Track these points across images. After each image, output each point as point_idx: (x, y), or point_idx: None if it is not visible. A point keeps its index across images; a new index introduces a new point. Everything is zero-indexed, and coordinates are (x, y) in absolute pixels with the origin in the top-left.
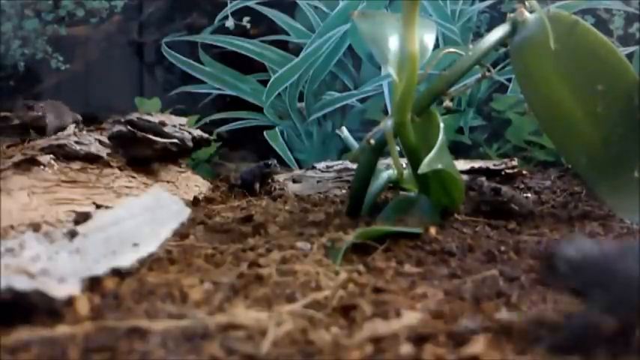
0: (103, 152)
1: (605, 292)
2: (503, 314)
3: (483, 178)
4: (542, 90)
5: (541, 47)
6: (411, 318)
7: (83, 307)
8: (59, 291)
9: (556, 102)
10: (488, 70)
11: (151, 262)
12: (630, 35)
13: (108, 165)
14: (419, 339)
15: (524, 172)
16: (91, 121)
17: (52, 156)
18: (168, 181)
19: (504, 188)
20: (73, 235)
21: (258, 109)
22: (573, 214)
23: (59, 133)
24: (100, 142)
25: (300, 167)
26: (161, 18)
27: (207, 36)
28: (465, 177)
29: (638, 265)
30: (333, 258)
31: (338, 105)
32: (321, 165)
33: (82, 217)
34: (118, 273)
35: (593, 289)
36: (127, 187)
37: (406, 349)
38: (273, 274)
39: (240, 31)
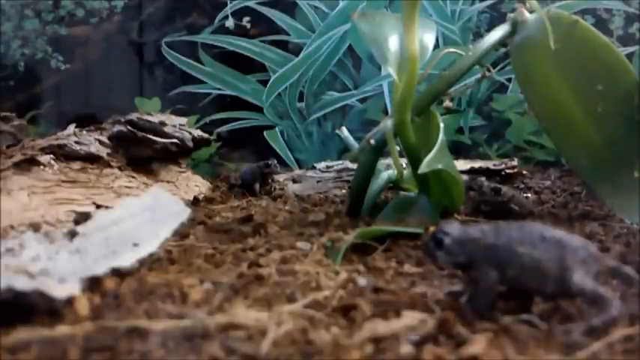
0: (103, 152)
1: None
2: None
3: (483, 178)
4: (542, 90)
5: (541, 47)
6: (411, 318)
7: (83, 307)
8: (59, 291)
9: (556, 102)
10: (489, 70)
11: (151, 262)
12: (630, 35)
13: (108, 165)
14: (419, 339)
15: (524, 172)
16: (90, 121)
17: (52, 156)
18: (168, 181)
19: (504, 188)
20: (73, 235)
21: (258, 109)
22: (573, 214)
23: (59, 133)
24: (100, 142)
25: (300, 167)
26: (161, 18)
27: (207, 36)
28: (465, 177)
29: (507, 241)
30: (333, 258)
31: (338, 105)
32: (321, 165)
33: (82, 217)
34: (118, 273)
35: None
36: (127, 187)
37: (406, 349)
38: (273, 274)
39: (240, 31)
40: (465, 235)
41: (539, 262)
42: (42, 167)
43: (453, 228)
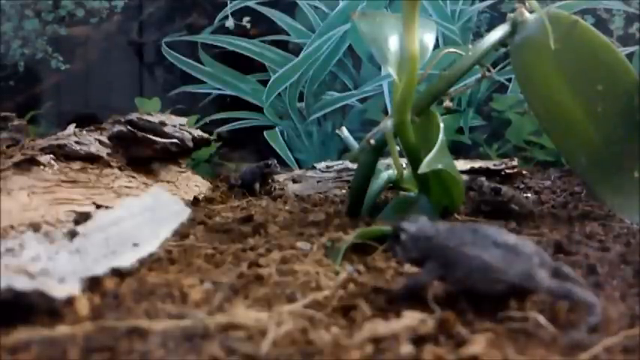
0: (103, 152)
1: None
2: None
3: (483, 178)
4: (542, 90)
5: (541, 47)
6: (411, 318)
7: (83, 307)
8: (59, 291)
9: (556, 102)
10: (488, 70)
11: (151, 262)
12: (630, 35)
13: (108, 165)
14: (419, 339)
15: (524, 172)
16: (90, 121)
17: (52, 156)
18: (168, 181)
19: (504, 188)
20: (73, 235)
21: (258, 109)
22: (573, 214)
23: (59, 133)
24: (100, 142)
25: (300, 167)
26: (161, 18)
27: (207, 36)
28: (465, 177)
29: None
30: (333, 258)
31: (338, 105)
32: (321, 165)
33: (82, 217)
34: (118, 273)
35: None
36: (127, 187)
37: (406, 349)
38: (273, 274)
39: (240, 31)
40: (420, 232)
41: (489, 264)
42: (42, 167)
43: (412, 225)
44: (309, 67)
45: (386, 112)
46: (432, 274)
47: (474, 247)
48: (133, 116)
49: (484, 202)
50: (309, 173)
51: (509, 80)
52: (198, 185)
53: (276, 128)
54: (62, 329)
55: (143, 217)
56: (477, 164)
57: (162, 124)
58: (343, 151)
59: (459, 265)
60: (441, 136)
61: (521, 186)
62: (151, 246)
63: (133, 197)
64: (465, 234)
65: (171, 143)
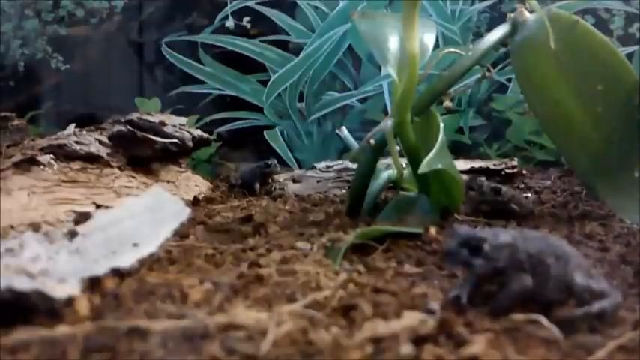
0: (103, 152)
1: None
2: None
3: (483, 178)
4: (542, 90)
5: (541, 47)
6: (411, 318)
7: (83, 307)
8: (59, 291)
9: (556, 102)
10: (489, 70)
11: (151, 262)
12: (630, 35)
13: (108, 165)
14: (419, 339)
15: (524, 172)
16: (90, 121)
17: (52, 156)
18: (168, 181)
19: (504, 188)
20: (73, 235)
21: (258, 109)
22: (573, 214)
23: (59, 133)
24: (100, 142)
25: (300, 167)
26: (161, 18)
27: (207, 36)
28: (465, 177)
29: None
30: (333, 258)
31: (338, 105)
32: (321, 165)
33: (82, 217)
34: (118, 273)
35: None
36: (127, 187)
37: (406, 349)
38: (273, 274)
39: (240, 31)
40: (501, 241)
41: (563, 274)
42: (42, 167)
43: (488, 233)
44: (309, 67)
45: (386, 112)
46: (520, 285)
47: (549, 255)
48: (133, 116)
49: (484, 203)
50: (309, 173)
51: (509, 80)
52: (198, 185)
53: (276, 128)
54: (62, 329)
55: (143, 217)
56: (477, 164)
57: (162, 124)
58: (343, 151)
59: (537, 274)
60: (441, 136)
61: (521, 186)
62: (151, 246)
63: (133, 197)
64: (538, 241)
65: (171, 143)
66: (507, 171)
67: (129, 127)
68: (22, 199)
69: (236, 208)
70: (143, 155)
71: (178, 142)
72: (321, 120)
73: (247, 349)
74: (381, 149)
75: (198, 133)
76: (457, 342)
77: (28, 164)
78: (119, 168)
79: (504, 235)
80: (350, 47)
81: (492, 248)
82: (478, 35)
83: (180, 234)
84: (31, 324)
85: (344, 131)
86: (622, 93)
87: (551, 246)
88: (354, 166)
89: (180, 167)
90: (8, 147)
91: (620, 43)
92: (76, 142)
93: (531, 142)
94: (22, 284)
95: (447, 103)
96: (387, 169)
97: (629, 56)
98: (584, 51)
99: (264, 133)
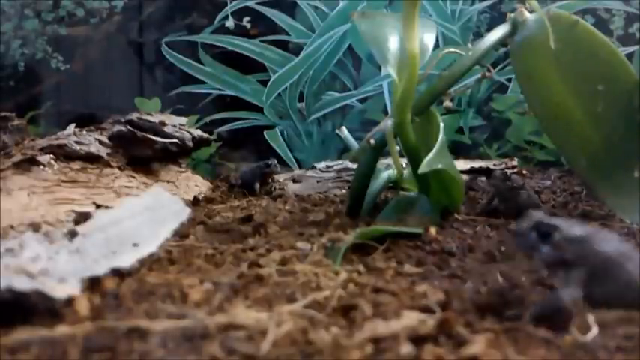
0: (103, 152)
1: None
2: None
3: (483, 178)
4: (542, 90)
5: (541, 47)
6: (411, 318)
7: (83, 307)
8: (59, 291)
9: (556, 102)
10: (489, 70)
11: (151, 262)
12: (630, 35)
13: (108, 165)
14: (419, 339)
15: (524, 172)
16: (90, 121)
17: (52, 156)
18: (168, 181)
19: (514, 176)
20: (73, 235)
21: (258, 109)
22: (573, 214)
23: (59, 133)
24: (100, 142)
25: (300, 167)
26: (161, 18)
27: (207, 36)
28: (465, 177)
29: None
30: (333, 258)
31: (338, 105)
32: (321, 165)
33: (82, 217)
34: (118, 273)
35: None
36: (127, 187)
37: (406, 349)
38: (273, 274)
39: (240, 31)
40: (570, 232)
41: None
42: (42, 167)
43: (561, 222)
44: (309, 67)
45: (386, 112)
46: (579, 284)
47: (624, 256)
48: (133, 116)
49: (496, 190)
50: (309, 173)
51: (509, 80)
52: (198, 185)
53: (276, 128)
54: (62, 329)
55: (143, 217)
56: (477, 164)
57: (162, 124)
58: (343, 151)
59: (609, 276)
60: (441, 136)
61: None
62: (150, 246)
63: (133, 197)
64: (615, 241)
65: (171, 143)
66: (507, 171)
67: (129, 127)
68: (22, 199)
69: (236, 208)
70: (143, 155)
71: (178, 142)
72: (321, 120)
73: (247, 349)
74: (381, 149)
75: (198, 133)
76: (457, 342)
77: (28, 164)
78: (119, 168)
79: (579, 228)
80: (350, 47)
81: (563, 238)
82: (478, 35)
83: (180, 234)
84: (31, 324)
85: (344, 131)
86: (622, 93)
87: (625, 250)
88: (354, 166)
89: (180, 167)
90: (8, 147)
91: (620, 43)
92: (76, 142)
93: (531, 142)
94: (22, 284)
95: (447, 103)
96: (387, 169)
97: (629, 56)
98: (584, 51)
99: (264, 133)
